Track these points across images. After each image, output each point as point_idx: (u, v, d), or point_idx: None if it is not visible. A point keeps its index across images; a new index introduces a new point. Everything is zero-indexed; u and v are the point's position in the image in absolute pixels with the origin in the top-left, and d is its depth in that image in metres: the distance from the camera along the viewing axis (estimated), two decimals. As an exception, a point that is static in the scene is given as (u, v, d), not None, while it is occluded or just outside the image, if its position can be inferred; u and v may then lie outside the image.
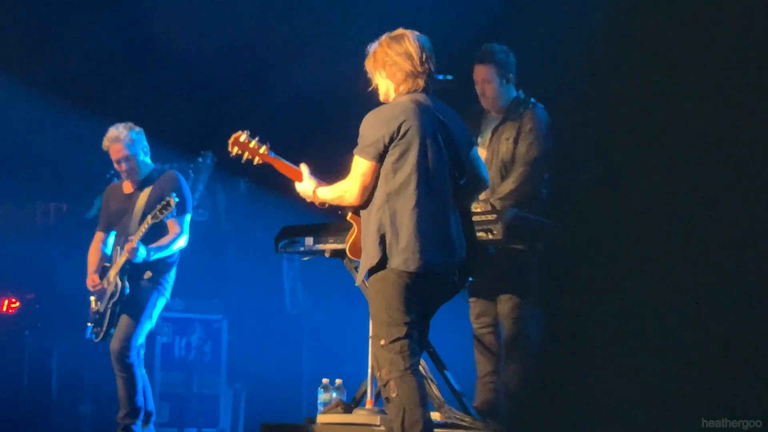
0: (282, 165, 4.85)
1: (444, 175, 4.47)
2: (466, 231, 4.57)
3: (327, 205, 4.73)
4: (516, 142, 5.49)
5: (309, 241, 5.54)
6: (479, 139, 5.61)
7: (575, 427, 4.71)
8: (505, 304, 5.41)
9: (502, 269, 5.29)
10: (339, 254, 5.28)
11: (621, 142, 5.79)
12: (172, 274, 6.22)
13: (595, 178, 5.34)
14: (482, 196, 5.26)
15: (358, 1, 7.23)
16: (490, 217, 5.11)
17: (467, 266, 4.55)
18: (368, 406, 5.33)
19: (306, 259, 5.92)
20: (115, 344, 6.05)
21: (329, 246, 5.36)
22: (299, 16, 7.82)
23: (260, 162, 4.90)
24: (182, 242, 6.17)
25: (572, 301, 5.38)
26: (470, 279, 4.61)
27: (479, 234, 4.96)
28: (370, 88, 4.66)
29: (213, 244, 8.28)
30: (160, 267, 6.14)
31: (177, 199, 5.91)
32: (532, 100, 5.59)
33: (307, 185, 4.73)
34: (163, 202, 5.92)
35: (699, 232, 4.95)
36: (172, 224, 6.12)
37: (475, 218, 4.98)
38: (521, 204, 5.31)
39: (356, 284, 4.60)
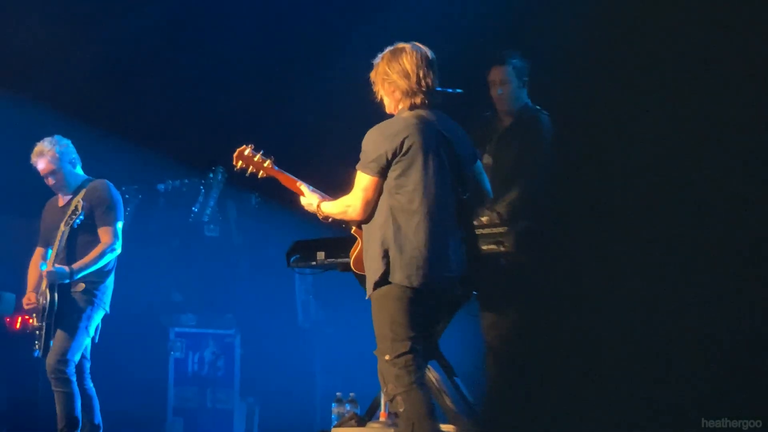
0: (286, 179, 4.88)
1: (447, 191, 4.51)
2: (469, 245, 4.60)
3: (330, 219, 4.76)
4: (523, 150, 5.50)
5: (321, 255, 5.51)
6: (487, 146, 5.66)
7: (574, 428, 4.74)
8: (513, 315, 5.44)
9: (512, 281, 5.33)
10: (351, 268, 5.31)
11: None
12: (108, 283, 6.13)
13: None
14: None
15: (366, 14, 7.26)
16: (500, 229, 5.12)
17: (470, 280, 4.59)
18: (382, 419, 5.33)
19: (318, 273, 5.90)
20: (50, 359, 5.97)
21: (341, 260, 5.34)
22: (309, 30, 7.85)
23: (265, 176, 4.93)
24: (114, 251, 6.05)
25: (569, 302, 5.40)
26: (474, 293, 4.64)
27: (490, 246, 5.00)
28: (375, 97, 4.68)
29: (225, 259, 8.35)
30: (93, 277, 6.04)
31: (84, 202, 5.84)
32: (538, 107, 5.62)
33: (311, 199, 4.77)
34: (72, 207, 5.88)
35: (699, 232, 4.95)
36: (103, 233, 6.02)
37: (485, 230, 5.03)
38: (528, 213, 5.35)
39: (367, 297, 4.66)
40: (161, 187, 8.50)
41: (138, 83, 8.14)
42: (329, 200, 4.77)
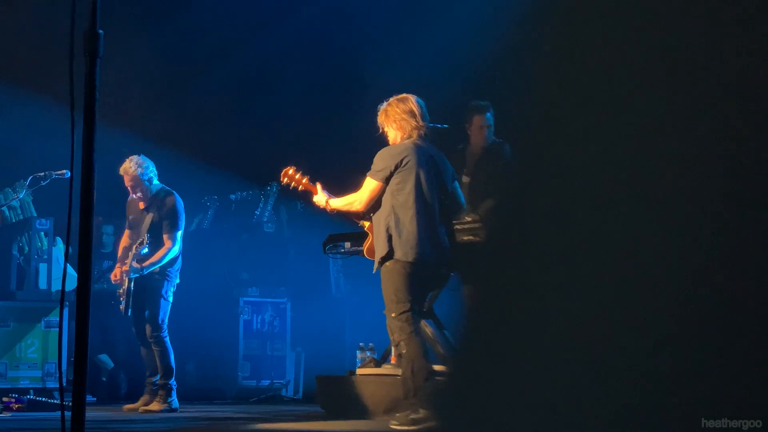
0: (314, 189, 5.73)
1: (434, 196, 5.38)
2: (449, 237, 5.49)
3: (335, 211, 5.55)
4: (495, 171, 6.55)
5: (348, 244, 6.34)
6: (465, 169, 6.63)
7: (574, 427, 4.68)
8: (487, 288, 6.37)
9: (485, 262, 6.32)
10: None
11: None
12: (178, 264, 6.96)
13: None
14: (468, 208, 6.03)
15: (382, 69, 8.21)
16: (477, 224, 6.05)
17: (451, 263, 5.44)
18: (393, 361, 6.13)
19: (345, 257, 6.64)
20: (147, 329, 6.84)
21: (362, 248, 5.96)
22: (360, 60, 8.65)
23: (302, 189, 5.78)
24: (173, 252, 6.90)
25: (570, 297, 5.72)
26: (453, 273, 5.53)
27: (469, 237, 5.91)
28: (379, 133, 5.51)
29: (279, 248, 9.28)
30: (167, 265, 6.93)
31: (150, 238, 6.77)
32: (501, 140, 6.71)
33: (320, 197, 5.60)
34: (141, 239, 6.80)
35: (700, 230, 4.35)
36: (165, 239, 6.87)
37: (466, 225, 5.95)
38: (497, 214, 6.03)
39: (374, 272, 5.44)
40: (233, 196, 9.56)
41: (221, 121, 9.45)
42: (335, 197, 5.56)
